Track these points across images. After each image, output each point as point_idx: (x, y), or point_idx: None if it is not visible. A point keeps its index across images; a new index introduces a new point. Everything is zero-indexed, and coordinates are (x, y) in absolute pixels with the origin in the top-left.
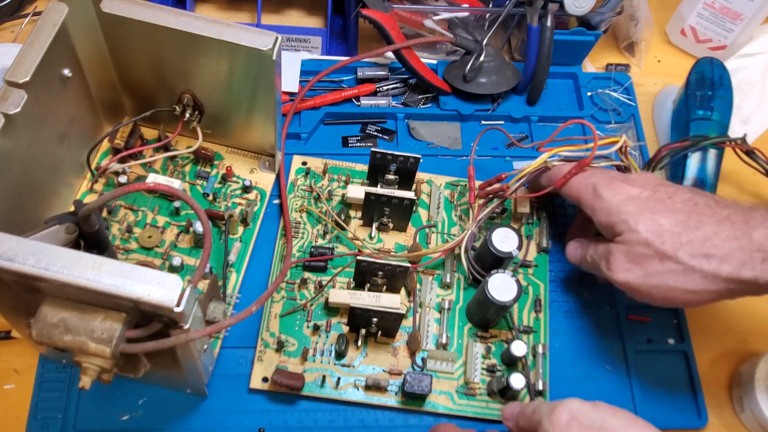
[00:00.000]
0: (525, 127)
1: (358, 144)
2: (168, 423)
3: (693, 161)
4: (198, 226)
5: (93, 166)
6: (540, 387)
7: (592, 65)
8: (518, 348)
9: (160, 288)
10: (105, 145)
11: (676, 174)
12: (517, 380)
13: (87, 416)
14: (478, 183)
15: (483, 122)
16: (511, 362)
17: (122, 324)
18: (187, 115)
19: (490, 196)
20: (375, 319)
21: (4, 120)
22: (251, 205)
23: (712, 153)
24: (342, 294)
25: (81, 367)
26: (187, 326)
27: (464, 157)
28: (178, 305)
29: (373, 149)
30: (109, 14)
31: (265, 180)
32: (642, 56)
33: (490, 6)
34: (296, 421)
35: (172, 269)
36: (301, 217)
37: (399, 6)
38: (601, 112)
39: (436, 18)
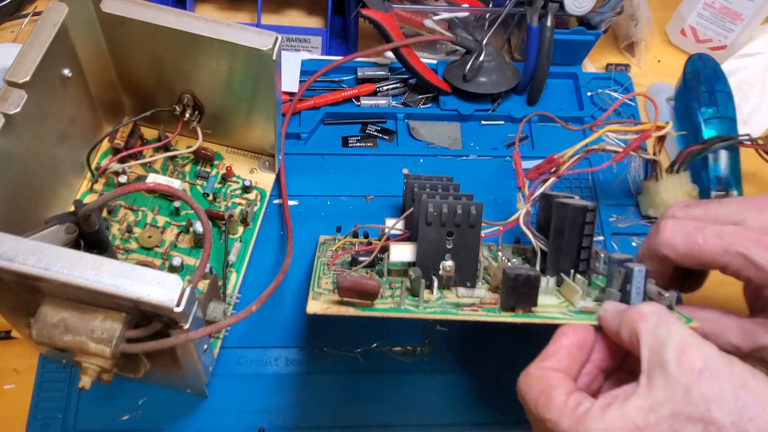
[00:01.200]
0: (525, 128)
1: (358, 144)
2: (168, 423)
3: (721, 161)
4: (198, 226)
5: (93, 166)
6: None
7: (592, 65)
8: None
9: (160, 288)
10: (105, 145)
11: (699, 176)
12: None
13: (87, 416)
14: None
15: (483, 122)
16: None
17: (122, 324)
18: (187, 115)
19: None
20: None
21: (4, 120)
22: (251, 205)
23: (728, 152)
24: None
25: (81, 367)
26: (187, 326)
27: (464, 157)
28: (178, 305)
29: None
30: (109, 14)
31: (265, 180)
32: (642, 56)
33: (490, 6)
34: (296, 420)
35: (172, 269)
36: None
37: (399, 6)
38: (601, 112)
39: (436, 18)
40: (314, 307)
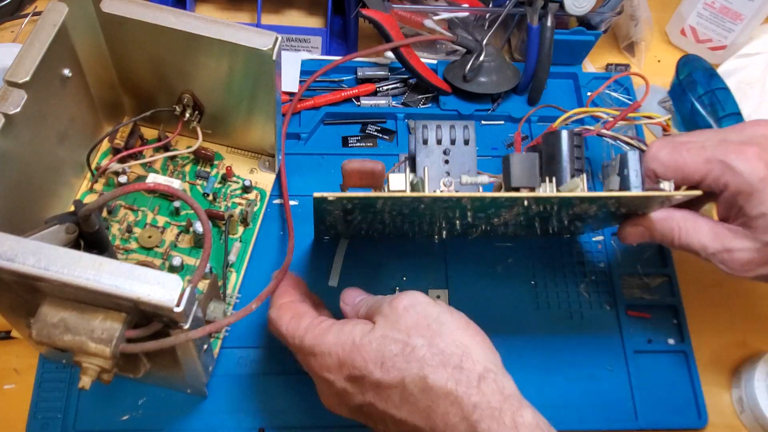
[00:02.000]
0: (525, 128)
1: (358, 144)
2: (168, 423)
3: None
4: (198, 226)
5: (93, 166)
6: None
7: (592, 65)
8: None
9: (160, 288)
10: (105, 145)
11: None
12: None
13: (87, 416)
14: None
15: (483, 122)
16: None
17: (122, 324)
18: (187, 115)
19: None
20: None
21: (4, 120)
22: (251, 205)
23: None
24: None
25: (81, 367)
26: (187, 326)
27: None
28: (178, 305)
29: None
30: (109, 14)
31: (265, 180)
32: (642, 56)
33: (490, 6)
34: (296, 420)
35: (172, 269)
36: None
37: (399, 6)
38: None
39: (436, 18)
40: (322, 193)
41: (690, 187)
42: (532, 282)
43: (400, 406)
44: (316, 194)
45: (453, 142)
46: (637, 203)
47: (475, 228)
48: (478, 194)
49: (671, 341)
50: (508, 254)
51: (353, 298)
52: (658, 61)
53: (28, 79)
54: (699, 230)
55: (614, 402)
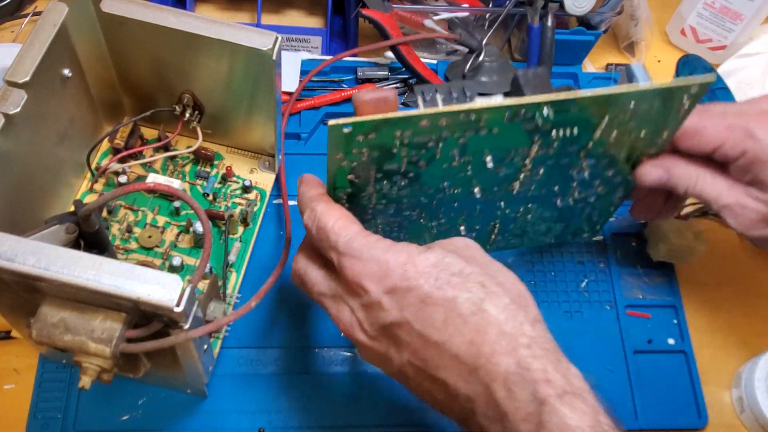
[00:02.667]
0: None
1: None
2: (168, 423)
3: None
4: (198, 226)
5: (93, 166)
6: None
7: (592, 65)
8: None
9: (160, 288)
10: (105, 145)
11: None
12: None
13: (87, 416)
14: None
15: None
16: None
17: (122, 324)
18: (187, 115)
19: None
20: None
21: (4, 120)
22: (251, 205)
23: None
24: None
25: (81, 367)
26: (187, 326)
27: None
28: (178, 305)
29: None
30: (109, 14)
31: (265, 180)
32: (642, 56)
33: (490, 6)
34: (296, 420)
35: (172, 269)
36: None
37: (399, 6)
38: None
39: (436, 18)
40: (337, 119)
41: (702, 158)
42: (532, 282)
43: (442, 328)
44: (332, 122)
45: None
46: (660, 98)
47: (493, 199)
48: (499, 103)
49: (671, 341)
50: (508, 254)
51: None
52: (658, 61)
53: (28, 79)
54: (717, 182)
55: (614, 402)
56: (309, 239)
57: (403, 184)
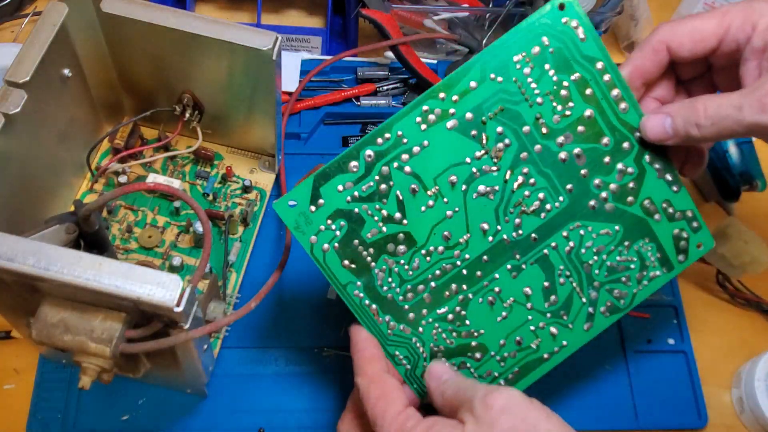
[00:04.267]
0: None
1: None
2: (168, 423)
3: (734, 158)
4: (198, 226)
5: (93, 166)
6: None
7: None
8: None
9: (160, 288)
10: (105, 145)
11: (720, 176)
12: None
13: (87, 416)
14: None
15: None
16: None
17: (122, 324)
18: (187, 115)
19: None
20: None
21: (4, 120)
22: (251, 205)
23: (738, 148)
24: None
25: (81, 367)
26: (187, 326)
27: None
28: (178, 305)
29: None
30: (109, 14)
31: (265, 180)
32: None
33: (490, 6)
34: (296, 420)
35: (172, 269)
36: None
37: (399, 6)
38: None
39: (436, 18)
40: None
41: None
42: None
43: None
44: (275, 203)
45: None
46: None
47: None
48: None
49: (671, 341)
50: None
51: (440, 374)
52: None
53: (28, 79)
54: (725, 96)
55: (614, 402)
56: (359, 404)
57: (402, 250)
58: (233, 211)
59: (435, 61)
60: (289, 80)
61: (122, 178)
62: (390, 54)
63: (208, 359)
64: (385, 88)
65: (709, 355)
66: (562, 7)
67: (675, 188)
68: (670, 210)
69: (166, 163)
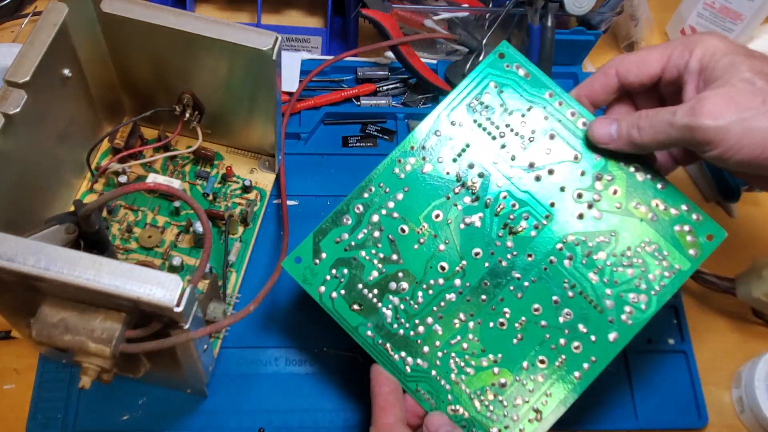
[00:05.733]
0: None
1: (358, 144)
2: (168, 423)
3: None
4: (198, 226)
5: (93, 166)
6: None
7: (592, 65)
8: None
9: (160, 288)
10: (105, 145)
11: (722, 177)
12: None
13: (87, 416)
14: None
15: None
16: None
17: (122, 324)
18: (187, 115)
19: None
20: None
21: (4, 120)
22: (251, 205)
23: None
24: None
25: (81, 367)
26: (187, 326)
27: None
28: (178, 305)
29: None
30: (109, 14)
31: (265, 180)
32: None
33: (490, 6)
34: (296, 420)
35: (172, 269)
36: None
37: (399, 6)
38: (601, 111)
39: (436, 18)
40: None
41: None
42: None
43: None
44: (283, 262)
45: None
46: None
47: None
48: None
49: (671, 341)
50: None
51: (437, 426)
52: None
53: (28, 79)
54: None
55: (614, 402)
56: None
57: (404, 287)
58: (233, 211)
59: (435, 61)
60: (289, 80)
61: (122, 178)
62: (390, 54)
63: (208, 359)
64: (385, 88)
65: (709, 355)
66: (502, 56)
67: (660, 186)
68: (662, 207)
69: (166, 163)
